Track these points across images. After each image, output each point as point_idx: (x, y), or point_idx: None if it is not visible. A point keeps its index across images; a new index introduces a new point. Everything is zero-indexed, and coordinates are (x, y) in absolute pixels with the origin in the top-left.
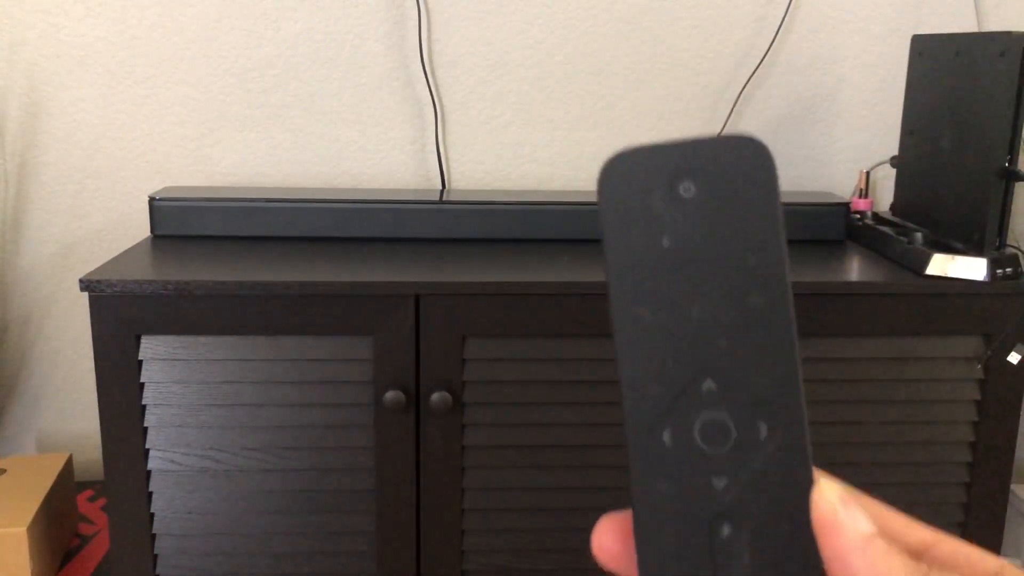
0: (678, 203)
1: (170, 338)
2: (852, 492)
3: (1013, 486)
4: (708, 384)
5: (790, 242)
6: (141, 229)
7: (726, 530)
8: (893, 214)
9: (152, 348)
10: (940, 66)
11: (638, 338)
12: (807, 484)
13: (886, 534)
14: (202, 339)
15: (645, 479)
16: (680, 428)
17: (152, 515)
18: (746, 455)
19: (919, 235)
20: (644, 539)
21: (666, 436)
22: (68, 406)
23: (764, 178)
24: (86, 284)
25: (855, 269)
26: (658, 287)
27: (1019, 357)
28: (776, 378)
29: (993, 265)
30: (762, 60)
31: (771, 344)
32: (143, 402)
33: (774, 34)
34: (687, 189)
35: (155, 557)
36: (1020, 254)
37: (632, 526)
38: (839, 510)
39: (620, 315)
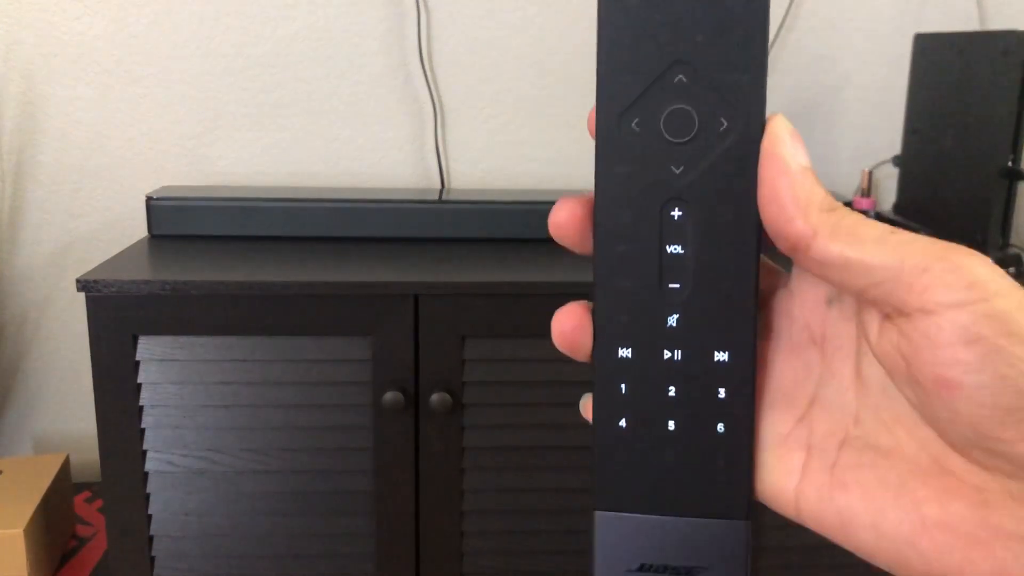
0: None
1: (168, 338)
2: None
3: None
4: (679, 76)
5: None
6: (138, 229)
7: (677, 211)
8: (896, 213)
9: (149, 349)
10: (943, 65)
11: (621, 26)
12: (754, 177)
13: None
14: (200, 339)
15: (610, 162)
16: (648, 116)
17: (150, 517)
18: (705, 145)
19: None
20: (601, 216)
21: (634, 123)
22: (65, 407)
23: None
24: (83, 284)
25: None
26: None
27: None
28: (743, 74)
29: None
30: None
31: (741, 42)
32: (140, 403)
33: (775, 33)
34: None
35: (152, 559)
36: (1023, 254)
37: (592, 206)
38: (785, 140)
39: (607, 2)
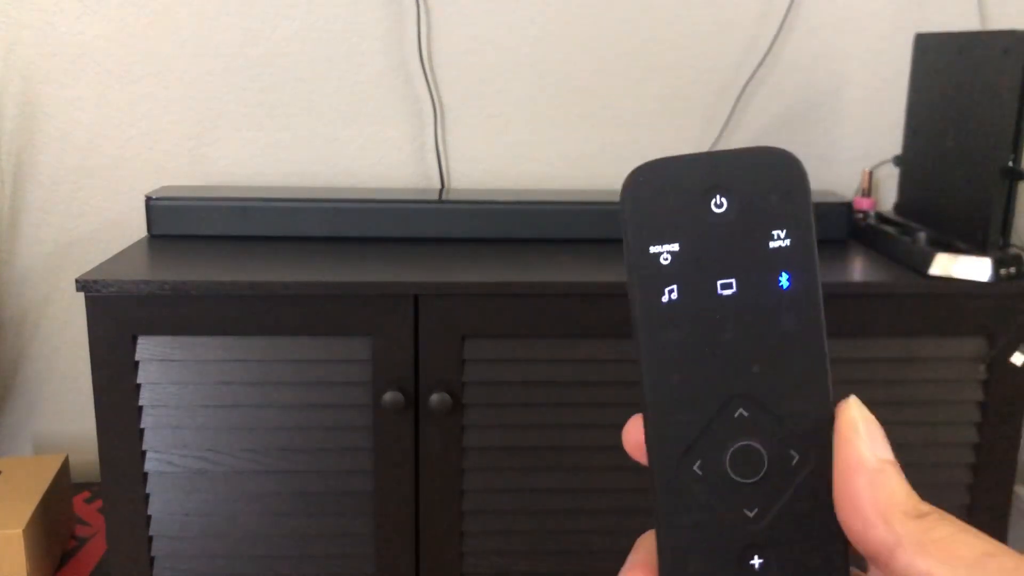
0: (710, 217)
1: (167, 339)
2: (877, 423)
3: (1017, 487)
4: (740, 411)
5: None
6: (138, 229)
7: (757, 561)
8: (896, 213)
9: (149, 349)
10: (943, 64)
11: (666, 362)
12: (834, 510)
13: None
14: (199, 340)
15: (674, 509)
16: (711, 457)
17: (149, 517)
18: (777, 484)
19: (922, 235)
20: (671, 570)
21: (697, 466)
22: (64, 407)
23: (798, 193)
24: (82, 284)
25: (858, 269)
26: (688, 306)
27: (1023, 358)
28: (808, 405)
29: (997, 265)
30: (764, 59)
31: (804, 370)
32: (140, 403)
33: (776, 32)
34: (719, 203)
35: (152, 559)
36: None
37: (658, 556)
38: (860, 430)
39: (647, 336)
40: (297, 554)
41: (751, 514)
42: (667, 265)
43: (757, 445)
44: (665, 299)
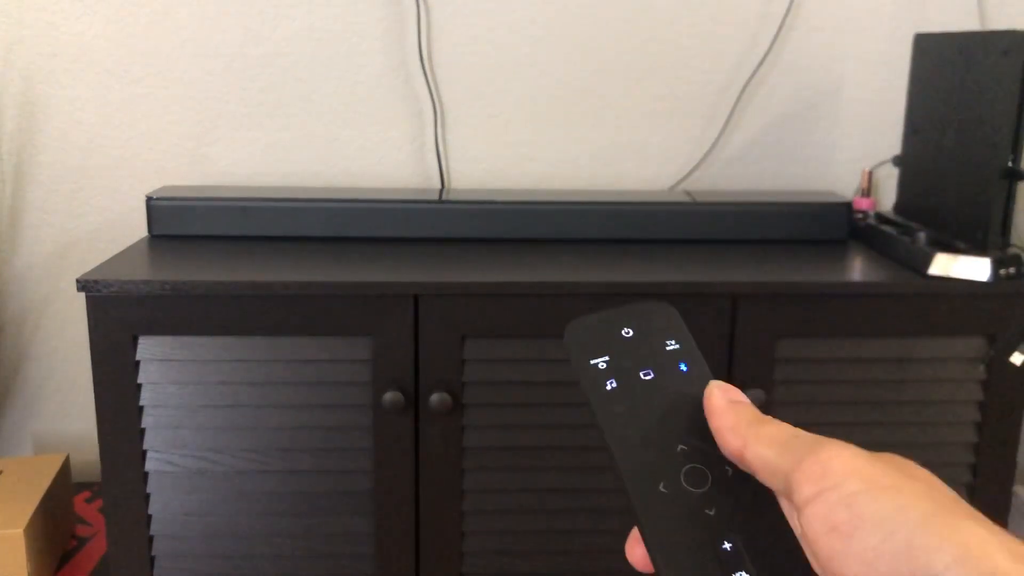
0: (623, 339)
1: (167, 339)
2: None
3: (1016, 487)
4: (681, 448)
5: (793, 241)
6: (138, 229)
7: (726, 544)
8: (896, 213)
9: (149, 349)
10: (943, 65)
11: (621, 426)
12: (772, 497)
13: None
14: (200, 340)
15: (654, 519)
16: (671, 480)
17: (149, 517)
18: (723, 490)
19: (922, 235)
20: (663, 566)
21: (661, 487)
22: (65, 407)
23: (675, 317)
24: (83, 284)
25: (857, 269)
26: (623, 395)
27: (1022, 358)
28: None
29: (996, 265)
30: (764, 58)
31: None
32: (140, 403)
33: (776, 32)
34: (627, 332)
35: (152, 559)
36: (1023, 254)
37: (650, 556)
38: (715, 394)
39: (603, 413)
40: (297, 554)
41: (711, 513)
42: (604, 369)
43: (701, 466)
44: (608, 388)
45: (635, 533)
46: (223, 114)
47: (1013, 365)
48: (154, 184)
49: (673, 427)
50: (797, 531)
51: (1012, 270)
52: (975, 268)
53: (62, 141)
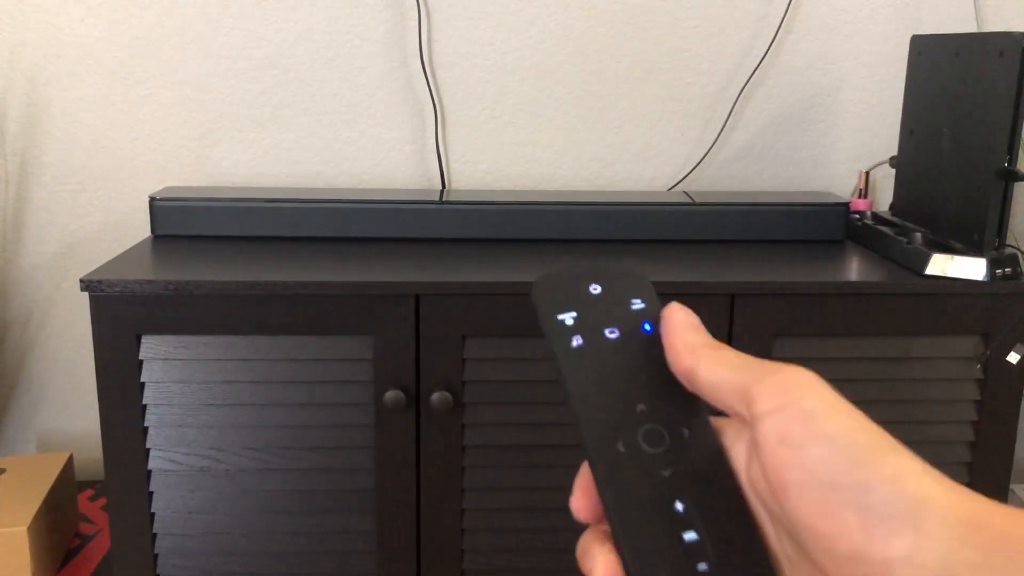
0: (591, 296)
1: (170, 338)
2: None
3: (1012, 486)
4: (641, 407)
5: (790, 242)
6: (141, 229)
7: (679, 505)
8: (892, 214)
9: (152, 348)
10: (940, 66)
11: (583, 383)
12: (727, 464)
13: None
14: (202, 339)
15: (610, 477)
16: (629, 439)
17: (152, 515)
18: (679, 451)
19: (918, 235)
20: (618, 523)
21: (619, 445)
22: (69, 406)
23: (643, 278)
24: (87, 284)
25: (854, 269)
26: (587, 352)
27: (1018, 357)
28: (682, 397)
29: (992, 265)
30: (762, 60)
31: (671, 377)
32: (143, 402)
33: (774, 34)
34: (595, 288)
35: (155, 557)
36: (1019, 254)
37: (605, 515)
38: (677, 312)
39: (567, 370)
40: (299, 551)
41: (667, 474)
42: (571, 325)
43: (659, 427)
44: (573, 344)
45: (580, 484)
46: (225, 115)
47: (1009, 364)
48: (157, 185)
49: (634, 387)
50: (743, 457)
51: (1008, 270)
52: (971, 268)
53: (66, 142)
